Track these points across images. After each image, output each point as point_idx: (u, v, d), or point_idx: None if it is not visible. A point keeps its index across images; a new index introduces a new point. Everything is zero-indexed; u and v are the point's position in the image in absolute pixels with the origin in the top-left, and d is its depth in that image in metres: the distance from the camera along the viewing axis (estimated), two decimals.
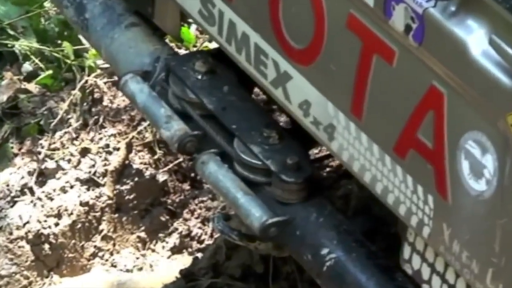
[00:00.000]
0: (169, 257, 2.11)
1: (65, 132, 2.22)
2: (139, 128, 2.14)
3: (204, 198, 2.12)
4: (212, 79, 1.51)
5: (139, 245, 2.13)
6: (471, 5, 0.97)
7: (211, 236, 2.04)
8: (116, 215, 2.12)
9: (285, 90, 1.36)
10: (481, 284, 1.10)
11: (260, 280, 1.94)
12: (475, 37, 0.98)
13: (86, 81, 2.24)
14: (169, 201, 2.14)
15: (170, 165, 2.13)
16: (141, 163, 2.15)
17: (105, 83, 2.21)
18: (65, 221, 2.08)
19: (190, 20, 1.75)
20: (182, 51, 2.04)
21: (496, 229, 1.04)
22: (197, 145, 1.47)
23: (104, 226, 2.10)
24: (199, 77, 1.50)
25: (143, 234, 2.12)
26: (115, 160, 2.14)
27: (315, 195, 1.44)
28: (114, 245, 2.11)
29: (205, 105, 1.46)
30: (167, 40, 1.80)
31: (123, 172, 2.14)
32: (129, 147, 2.17)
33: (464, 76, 1.00)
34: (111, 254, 2.10)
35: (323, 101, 1.27)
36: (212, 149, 1.46)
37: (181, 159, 2.13)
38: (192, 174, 2.14)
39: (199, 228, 2.08)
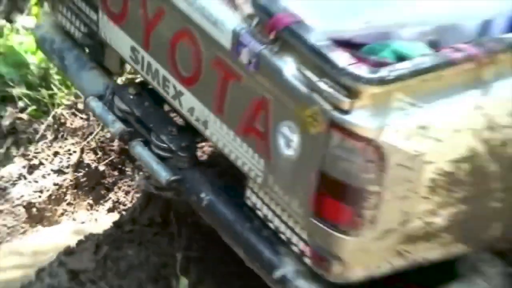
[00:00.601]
0: (106, 214, 3.30)
1: (44, 142, 3.49)
2: (88, 139, 3.45)
3: (127, 180, 3.38)
4: (139, 98, 2.35)
5: (89, 207, 3.37)
6: (286, 48, 1.67)
7: (131, 202, 3.27)
8: (75, 190, 3.36)
9: (180, 102, 2.13)
10: (293, 211, 1.77)
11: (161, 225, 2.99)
12: (289, 66, 1.65)
13: (56, 112, 3.55)
14: (105, 182, 3.39)
15: (106, 161, 3.41)
16: (89, 160, 3.42)
17: (67, 113, 3.56)
18: (45, 194, 3.29)
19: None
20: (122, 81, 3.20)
21: (300, 177, 1.69)
22: (130, 137, 2.28)
23: (68, 197, 3.35)
24: (131, 97, 2.34)
25: (91, 201, 3.38)
26: (74, 158, 3.41)
27: (199, 164, 2.28)
28: (74, 208, 3.35)
29: (135, 113, 2.30)
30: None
31: (79, 165, 3.40)
32: (82, 151, 3.42)
33: (281, 89, 1.69)
34: (72, 213, 3.34)
35: (201, 107, 2.01)
36: (139, 138, 2.27)
37: (113, 157, 3.42)
38: (120, 166, 3.42)
39: (124, 197, 3.34)
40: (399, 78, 1.57)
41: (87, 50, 2.63)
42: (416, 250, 1.81)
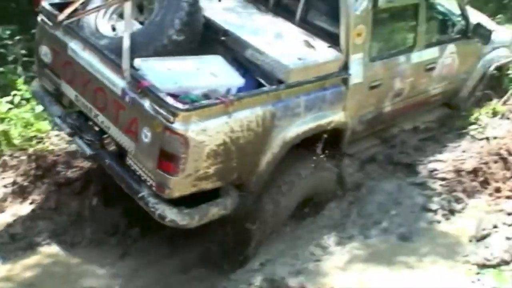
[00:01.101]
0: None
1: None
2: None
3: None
4: (78, 117, 4.70)
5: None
6: (145, 95, 3.91)
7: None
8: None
9: (97, 118, 4.39)
10: (148, 167, 3.98)
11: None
12: (147, 103, 3.91)
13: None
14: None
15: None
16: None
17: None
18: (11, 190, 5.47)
19: None
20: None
21: (152, 151, 3.93)
22: (74, 134, 4.68)
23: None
24: (74, 116, 4.69)
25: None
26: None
27: (104, 147, 4.59)
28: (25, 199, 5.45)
29: (76, 124, 4.70)
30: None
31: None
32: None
33: (143, 113, 3.93)
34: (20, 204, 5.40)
35: (107, 121, 4.31)
36: (77, 135, 4.65)
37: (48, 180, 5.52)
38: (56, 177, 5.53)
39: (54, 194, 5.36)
40: (194, 109, 3.81)
41: (55, 97, 4.96)
42: (201, 184, 4.03)
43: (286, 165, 4.56)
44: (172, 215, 4.02)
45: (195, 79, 4.27)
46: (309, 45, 4.68)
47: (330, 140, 4.84)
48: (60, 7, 4.72)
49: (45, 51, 4.86)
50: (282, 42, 4.71)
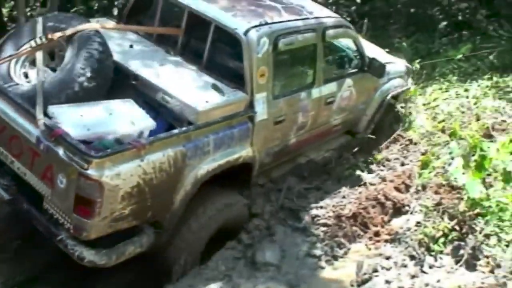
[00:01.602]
0: None
1: None
2: None
3: None
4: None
5: None
6: (59, 143, 4.14)
7: None
8: None
9: (14, 165, 4.57)
10: (65, 211, 4.20)
11: None
12: (61, 151, 4.11)
13: None
14: None
15: None
16: None
17: None
18: None
19: None
20: None
21: (67, 196, 4.18)
22: None
23: None
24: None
25: None
26: None
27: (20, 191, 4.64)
28: None
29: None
30: None
31: None
32: None
33: (58, 160, 4.14)
34: None
35: (23, 167, 4.50)
36: None
37: None
38: None
39: None
40: (107, 155, 4.05)
41: None
42: (117, 225, 4.26)
43: (197, 201, 4.85)
44: (90, 256, 4.22)
45: (107, 124, 4.51)
46: (216, 87, 5.02)
47: (240, 173, 5.21)
48: None
49: None
50: (190, 85, 5.04)
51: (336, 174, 6.63)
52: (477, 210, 5.25)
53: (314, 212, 5.71)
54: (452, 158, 5.38)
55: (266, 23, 5.27)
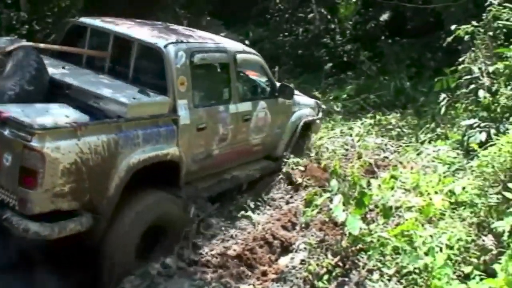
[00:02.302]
0: None
1: None
2: None
3: None
4: None
5: None
6: (6, 124, 4.59)
7: None
8: None
9: None
10: (11, 187, 4.53)
11: None
12: (5, 130, 4.54)
13: None
14: None
15: None
16: None
17: None
18: None
19: None
20: None
21: (13, 171, 4.50)
22: None
23: None
24: None
25: None
26: None
27: None
28: None
29: None
30: None
31: None
32: None
33: (4, 139, 4.56)
34: None
35: None
36: None
37: None
38: None
39: None
40: (48, 129, 4.49)
41: None
42: (58, 202, 4.58)
43: (131, 198, 5.22)
44: (35, 227, 4.47)
45: (46, 116, 4.82)
46: (142, 91, 5.64)
47: (169, 175, 5.70)
48: None
49: None
50: (119, 91, 5.58)
51: (226, 214, 6.63)
52: (359, 246, 5.38)
53: (200, 251, 5.67)
54: (334, 195, 5.44)
55: (182, 41, 6.09)
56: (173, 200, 5.67)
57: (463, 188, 5.77)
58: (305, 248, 5.64)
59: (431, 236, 5.24)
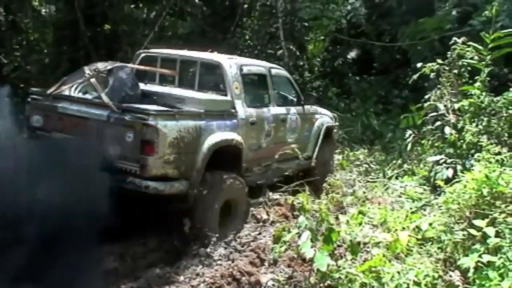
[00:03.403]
0: None
1: None
2: None
3: None
4: None
5: None
6: (129, 110, 6.34)
7: None
8: None
9: None
10: (134, 157, 6.22)
11: None
12: (128, 117, 6.29)
13: None
14: None
15: None
16: None
17: None
18: None
19: None
20: None
21: (135, 145, 6.24)
22: None
23: None
24: None
25: None
26: None
27: None
28: None
29: None
30: None
31: None
32: None
33: (129, 121, 6.30)
34: None
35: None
36: None
37: None
38: None
39: None
40: (158, 112, 6.45)
41: None
42: (166, 168, 6.23)
43: (214, 175, 6.86)
44: (154, 185, 6.08)
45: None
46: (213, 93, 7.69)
47: (233, 159, 7.28)
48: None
49: (36, 119, 6.93)
50: (194, 94, 7.50)
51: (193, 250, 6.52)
52: (328, 282, 5.33)
53: None
54: (302, 232, 5.42)
55: (232, 58, 8.13)
56: (241, 183, 7.22)
57: (430, 224, 5.79)
58: (273, 285, 5.61)
59: (398, 272, 5.22)
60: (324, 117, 9.86)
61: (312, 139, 9.42)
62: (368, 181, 9.39)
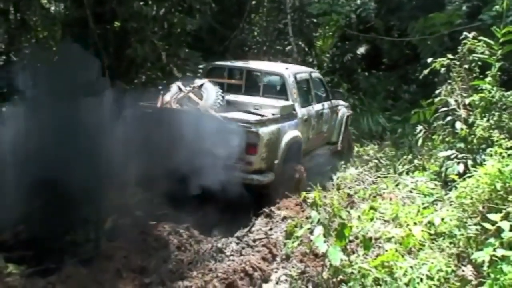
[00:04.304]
0: None
1: None
2: None
3: None
4: None
5: None
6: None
7: None
8: None
9: None
10: (241, 156, 7.77)
11: None
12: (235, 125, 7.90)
13: None
14: None
15: None
16: None
17: None
18: None
19: None
20: None
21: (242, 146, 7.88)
22: None
23: None
24: None
25: None
26: None
27: None
28: None
29: None
30: None
31: None
32: None
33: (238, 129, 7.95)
34: None
35: None
36: None
37: None
38: None
39: None
40: (257, 121, 8.05)
41: None
42: (262, 163, 8.07)
43: (288, 167, 8.50)
44: (257, 177, 7.91)
45: (243, 117, 8.38)
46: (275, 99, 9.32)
47: (296, 151, 8.82)
48: None
49: None
50: (265, 101, 9.11)
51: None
52: (340, 277, 5.35)
53: (178, 284, 5.57)
54: (314, 227, 5.43)
55: (288, 68, 9.75)
56: (304, 169, 8.74)
57: (442, 219, 5.79)
58: (286, 280, 5.60)
59: (411, 267, 5.24)
60: (343, 108, 11.56)
61: (337, 127, 11.17)
62: (378, 177, 9.36)
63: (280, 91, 9.50)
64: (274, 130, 8.09)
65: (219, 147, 7.06)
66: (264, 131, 7.81)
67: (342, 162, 10.65)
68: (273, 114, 8.45)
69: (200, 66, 12.18)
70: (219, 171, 6.85)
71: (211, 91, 8.52)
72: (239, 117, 7.94)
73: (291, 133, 8.53)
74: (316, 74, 10.92)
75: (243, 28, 17.40)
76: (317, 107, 9.96)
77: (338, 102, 11.41)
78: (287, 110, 8.75)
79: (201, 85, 8.61)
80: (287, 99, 9.05)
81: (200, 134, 7.10)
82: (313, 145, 9.89)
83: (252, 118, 7.96)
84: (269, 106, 8.74)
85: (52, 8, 15.57)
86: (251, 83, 9.67)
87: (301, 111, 9.14)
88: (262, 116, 8.32)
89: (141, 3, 12.87)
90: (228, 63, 10.19)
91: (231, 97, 9.04)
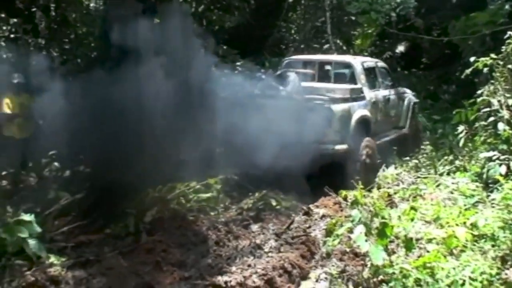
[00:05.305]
0: None
1: None
2: None
3: None
4: None
5: None
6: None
7: None
8: None
9: None
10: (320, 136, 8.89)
11: None
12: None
13: None
14: None
15: None
16: None
17: None
18: None
19: None
20: None
21: None
22: None
23: None
24: None
25: None
26: None
27: None
28: None
29: None
30: None
31: None
32: None
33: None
34: None
35: None
36: None
37: None
38: None
39: None
40: (331, 99, 9.51)
41: None
42: (336, 137, 9.18)
43: (360, 140, 9.53)
44: (337, 146, 8.93)
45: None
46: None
47: (367, 127, 9.88)
48: None
49: None
50: (336, 86, 10.30)
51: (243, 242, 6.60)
52: (381, 277, 5.30)
53: (219, 278, 5.58)
54: (355, 226, 5.40)
55: (356, 58, 11.39)
56: (374, 142, 9.89)
57: (486, 219, 5.70)
58: (326, 278, 5.59)
59: (453, 268, 5.17)
60: (410, 96, 12.50)
61: (404, 113, 12.03)
62: (418, 177, 9.25)
63: (349, 77, 10.58)
64: (346, 108, 9.23)
65: (311, 126, 8.33)
66: (337, 108, 8.97)
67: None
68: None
69: (238, 64, 12.24)
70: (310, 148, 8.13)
71: (293, 79, 9.73)
72: (315, 97, 9.27)
73: (360, 111, 9.57)
74: (381, 64, 12.01)
75: (280, 26, 17.40)
76: (383, 92, 10.99)
77: (405, 90, 12.44)
78: (356, 92, 9.80)
79: (281, 74, 10.18)
80: (355, 83, 10.19)
81: (299, 116, 8.37)
82: (381, 127, 10.75)
83: (326, 96, 9.33)
84: (340, 89, 9.81)
85: (91, 4, 15.81)
86: (323, 73, 10.99)
87: (369, 94, 10.22)
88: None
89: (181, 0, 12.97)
90: (302, 57, 12.13)
91: (306, 84, 10.22)
